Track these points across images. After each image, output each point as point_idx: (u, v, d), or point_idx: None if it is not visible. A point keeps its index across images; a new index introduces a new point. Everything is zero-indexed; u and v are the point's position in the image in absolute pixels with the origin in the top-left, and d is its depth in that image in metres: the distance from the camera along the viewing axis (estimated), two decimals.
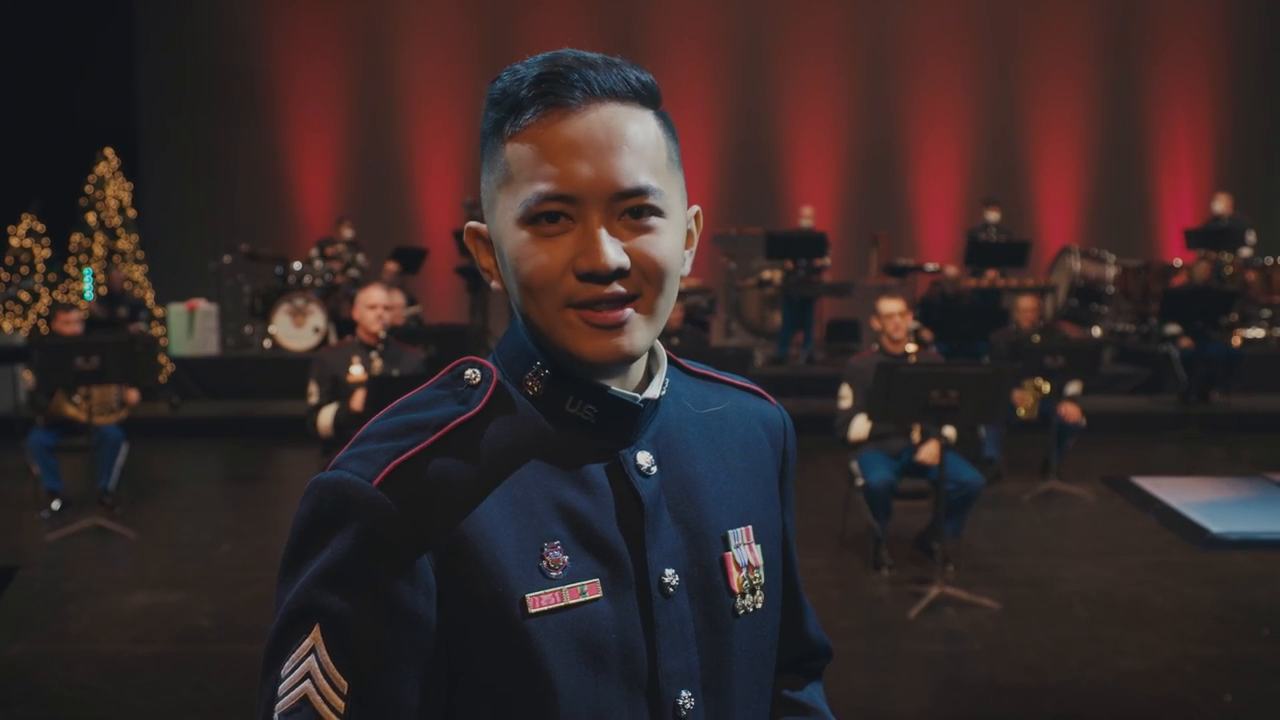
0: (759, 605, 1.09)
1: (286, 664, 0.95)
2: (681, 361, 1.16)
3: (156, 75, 13.79)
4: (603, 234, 0.95)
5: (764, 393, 1.21)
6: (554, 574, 0.97)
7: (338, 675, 0.93)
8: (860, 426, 5.47)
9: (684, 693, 1.03)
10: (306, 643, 0.94)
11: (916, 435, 5.51)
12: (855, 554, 5.77)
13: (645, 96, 0.99)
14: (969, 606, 4.94)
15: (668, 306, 1.00)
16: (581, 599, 0.98)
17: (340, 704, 0.93)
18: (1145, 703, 4.01)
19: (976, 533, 6.12)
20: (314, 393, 5.26)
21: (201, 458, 9.07)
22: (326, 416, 5.16)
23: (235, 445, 9.30)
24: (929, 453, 5.40)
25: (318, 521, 0.95)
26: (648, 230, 0.97)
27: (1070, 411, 7.15)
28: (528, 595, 0.95)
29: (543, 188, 0.95)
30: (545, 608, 0.96)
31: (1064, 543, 6.16)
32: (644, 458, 1.04)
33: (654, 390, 1.05)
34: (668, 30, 13.73)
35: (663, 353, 1.09)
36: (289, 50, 13.92)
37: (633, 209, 0.96)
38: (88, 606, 5.08)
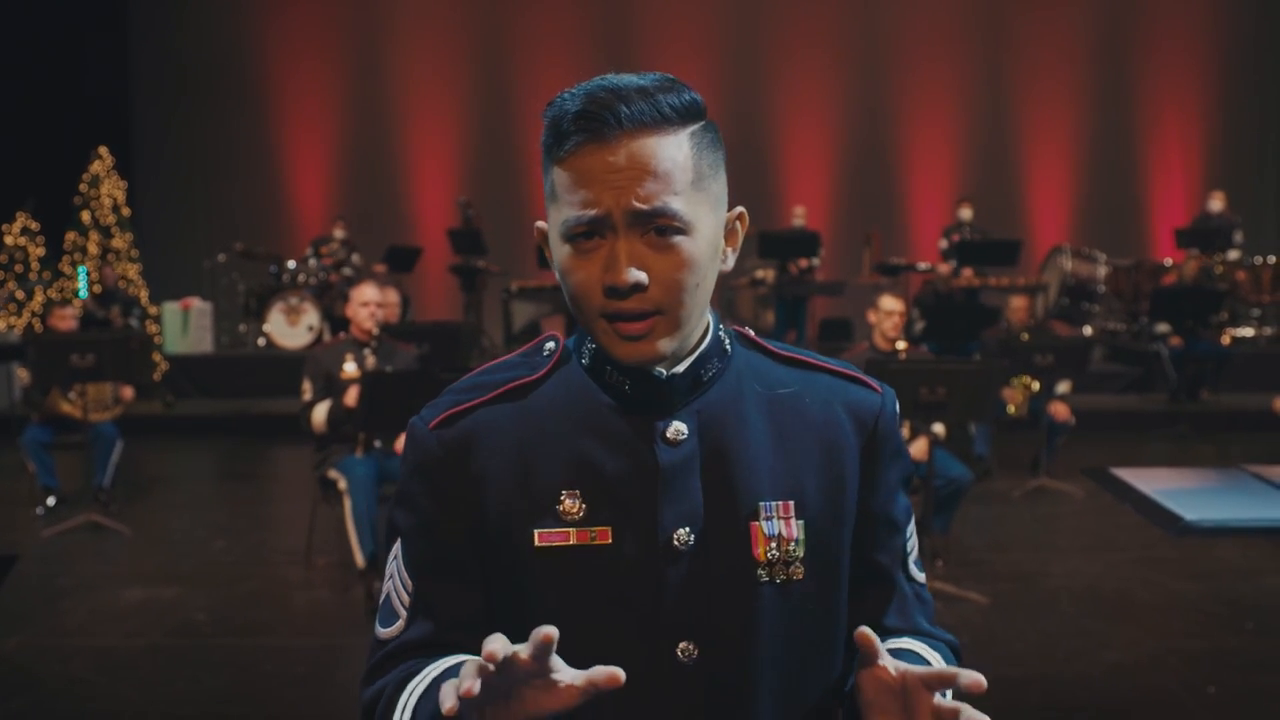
0: (796, 578, 1.14)
1: (388, 566, 1.20)
2: (768, 345, 1.23)
3: (151, 74, 13.80)
4: (622, 254, 1.06)
5: (863, 377, 1.24)
6: (567, 517, 1.11)
7: (407, 577, 1.17)
8: None
9: (686, 643, 1.10)
10: (393, 551, 1.19)
11: (906, 431, 5.56)
12: None
13: (677, 120, 1.08)
14: (957, 601, 4.99)
15: (691, 313, 1.10)
16: (590, 542, 1.10)
17: (406, 600, 1.17)
18: (1130, 695, 4.07)
19: (966, 529, 6.17)
20: (308, 389, 5.29)
21: (196, 455, 9.10)
22: (321, 413, 5.20)
23: (229, 443, 9.32)
24: (918, 449, 5.44)
25: (403, 455, 1.20)
26: (670, 249, 1.07)
27: (1060, 410, 7.20)
28: (536, 531, 1.11)
29: (575, 214, 1.07)
30: (550, 544, 1.10)
31: (1052, 539, 6.22)
32: (677, 428, 1.13)
33: (681, 368, 1.14)
34: (660, 30, 13.77)
35: (712, 334, 1.17)
36: (283, 49, 13.94)
37: (657, 228, 1.06)
38: (83, 601, 5.12)
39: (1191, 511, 2.69)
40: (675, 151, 1.07)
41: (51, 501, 6.71)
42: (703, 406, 1.15)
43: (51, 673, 4.29)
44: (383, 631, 1.18)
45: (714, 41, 13.86)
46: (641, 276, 1.06)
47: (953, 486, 5.32)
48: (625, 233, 1.06)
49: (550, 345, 1.21)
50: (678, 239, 1.07)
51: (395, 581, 1.18)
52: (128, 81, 13.73)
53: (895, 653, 1.15)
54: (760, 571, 1.13)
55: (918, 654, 1.19)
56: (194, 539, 6.26)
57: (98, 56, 12.99)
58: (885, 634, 1.23)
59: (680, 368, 1.14)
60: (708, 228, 1.10)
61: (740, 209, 1.18)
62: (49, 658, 4.43)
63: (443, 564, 1.15)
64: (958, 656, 1.26)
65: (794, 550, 1.14)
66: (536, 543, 1.10)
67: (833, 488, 1.18)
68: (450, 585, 1.14)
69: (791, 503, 1.15)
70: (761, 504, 1.14)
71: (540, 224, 1.18)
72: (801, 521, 1.15)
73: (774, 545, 1.13)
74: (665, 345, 1.09)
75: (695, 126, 1.09)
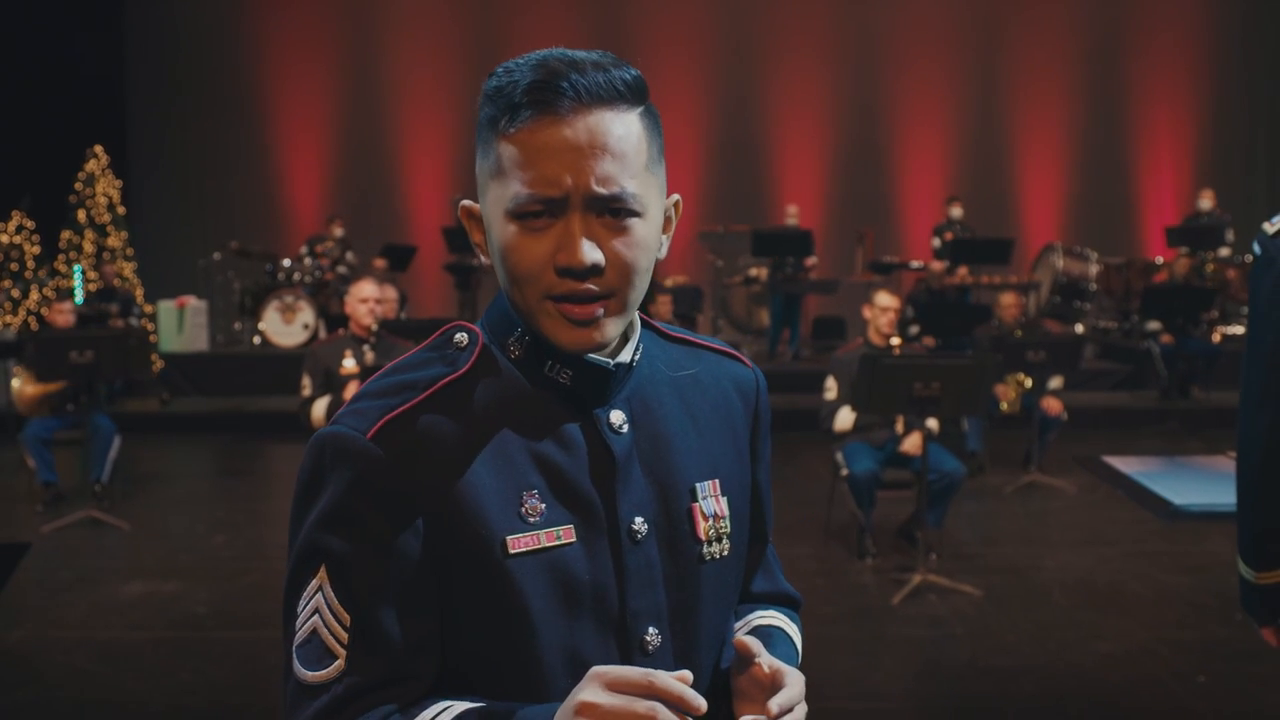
0: (725, 553, 1.19)
1: (301, 601, 1.07)
2: (659, 326, 1.25)
3: (146, 73, 13.80)
4: (579, 233, 1.03)
5: (738, 355, 1.29)
6: (532, 519, 1.07)
7: (341, 609, 1.04)
8: (845, 418, 5.57)
9: (651, 629, 1.12)
10: (314, 582, 1.06)
11: (900, 426, 5.62)
12: (840, 543, 5.87)
13: (631, 96, 1.05)
14: (951, 593, 5.05)
15: (638, 298, 1.09)
16: (557, 542, 1.08)
17: (344, 635, 1.04)
18: (1121, 683, 4.13)
19: (959, 523, 6.23)
20: (307, 385, 5.34)
21: (192, 453, 9.12)
22: (320, 409, 5.24)
23: (226, 440, 9.35)
24: (912, 444, 5.50)
25: (318, 471, 1.07)
26: (624, 231, 1.04)
27: (1052, 405, 7.27)
28: (508, 537, 1.06)
29: (528, 191, 1.02)
30: (523, 549, 1.06)
31: (1044, 532, 6.28)
32: (616, 416, 1.13)
33: (625, 355, 1.14)
34: (654, 29, 13.81)
35: (637, 320, 1.18)
36: (278, 48, 13.95)
37: (612, 209, 1.04)
38: (84, 595, 5.15)
39: (1180, 496, 2.75)
40: (630, 130, 1.04)
41: (51, 498, 6.73)
42: (630, 394, 1.15)
43: (55, 665, 4.33)
44: (312, 675, 1.04)
45: (708, 40, 13.91)
46: (599, 257, 1.03)
47: (947, 480, 5.37)
48: (582, 212, 1.03)
49: (461, 336, 1.14)
50: (631, 221, 1.05)
51: (324, 616, 1.04)
52: (123, 80, 13.74)
53: (766, 631, 1.26)
54: (703, 550, 1.16)
55: (786, 635, 1.29)
56: (193, 534, 6.29)
57: (93, 55, 12.98)
58: (754, 600, 1.34)
59: (625, 355, 1.13)
60: (655, 212, 1.09)
61: (677, 196, 1.17)
62: (52, 650, 4.47)
63: (394, 587, 1.04)
64: (798, 610, 1.38)
65: (724, 526, 1.18)
66: (511, 550, 1.05)
67: (738, 462, 1.23)
68: (403, 610, 1.04)
69: (717, 481, 1.19)
70: (697, 485, 1.17)
71: (466, 202, 1.14)
72: (726, 498, 1.19)
73: (711, 524, 1.17)
74: (612, 330, 1.08)
75: (643, 107, 1.07)
